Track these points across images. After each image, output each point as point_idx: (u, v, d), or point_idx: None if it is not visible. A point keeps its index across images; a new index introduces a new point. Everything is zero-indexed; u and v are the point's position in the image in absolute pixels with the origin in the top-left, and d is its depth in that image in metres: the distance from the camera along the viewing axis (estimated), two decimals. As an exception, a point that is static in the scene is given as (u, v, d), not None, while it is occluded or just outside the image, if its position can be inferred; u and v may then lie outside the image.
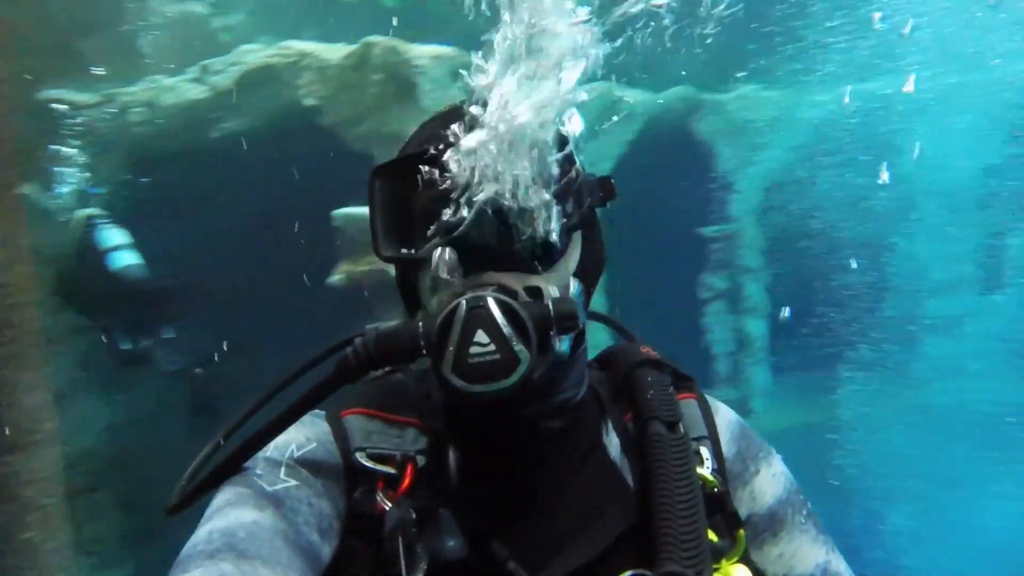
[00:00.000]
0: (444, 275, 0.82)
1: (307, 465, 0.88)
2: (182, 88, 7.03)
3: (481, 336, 0.75)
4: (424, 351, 0.79)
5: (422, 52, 6.94)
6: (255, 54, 7.06)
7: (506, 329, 0.75)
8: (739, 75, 10.30)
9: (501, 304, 0.76)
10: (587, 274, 0.91)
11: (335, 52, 7.10)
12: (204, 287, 6.18)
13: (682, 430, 0.92)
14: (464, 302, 0.76)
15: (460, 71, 0.87)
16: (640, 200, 9.63)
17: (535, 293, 0.81)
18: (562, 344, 0.84)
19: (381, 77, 6.84)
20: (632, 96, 9.34)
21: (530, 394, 0.81)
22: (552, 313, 0.78)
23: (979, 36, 10.40)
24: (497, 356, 0.75)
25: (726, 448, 1.00)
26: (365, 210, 0.88)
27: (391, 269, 1.00)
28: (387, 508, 0.84)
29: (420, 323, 0.79)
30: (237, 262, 6.73)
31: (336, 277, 6.01)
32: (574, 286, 0.86)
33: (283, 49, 7.04)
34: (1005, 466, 8.17)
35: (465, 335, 0.75)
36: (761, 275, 10.68)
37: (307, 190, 6.31)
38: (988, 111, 10.80)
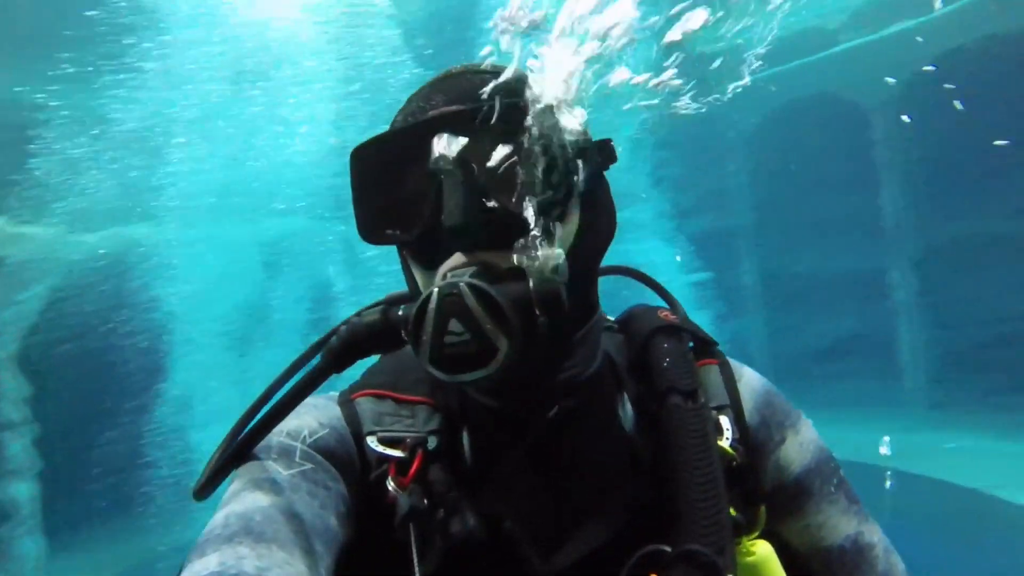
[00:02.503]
0: (422, 256, 0.80)
1: (321, 450, 0.84)
2: None
3: (455, 325, 0.71)
4: (405, 340, 0.76)
5: None
6: None
7: (481, 317, 0.71)
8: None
9: (476, 290, 0.71)
10: (588, 245, 0.84)
11: None
12: None
13: (702, 399, 0.89)
14: (436, 290, 0.72)
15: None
16: None
17: (519, 273, 0.75)
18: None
19: None
20: None
21: (533, 374, 0.78)
22: (534, 295, 0.73)
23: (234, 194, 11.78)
24: (472, 346, 0.71)
25: (749, 416, 0.95)
26: None
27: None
28: (398, 496, 0.81)
29: (400, 310, 0.77)
30: None
31: None
32: (567, 260, 0.77)
33: None
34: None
35: (438, 325, 0.72)
36: (26, 430, 9.34)
37: None
38: (236, 259, 12.25)
